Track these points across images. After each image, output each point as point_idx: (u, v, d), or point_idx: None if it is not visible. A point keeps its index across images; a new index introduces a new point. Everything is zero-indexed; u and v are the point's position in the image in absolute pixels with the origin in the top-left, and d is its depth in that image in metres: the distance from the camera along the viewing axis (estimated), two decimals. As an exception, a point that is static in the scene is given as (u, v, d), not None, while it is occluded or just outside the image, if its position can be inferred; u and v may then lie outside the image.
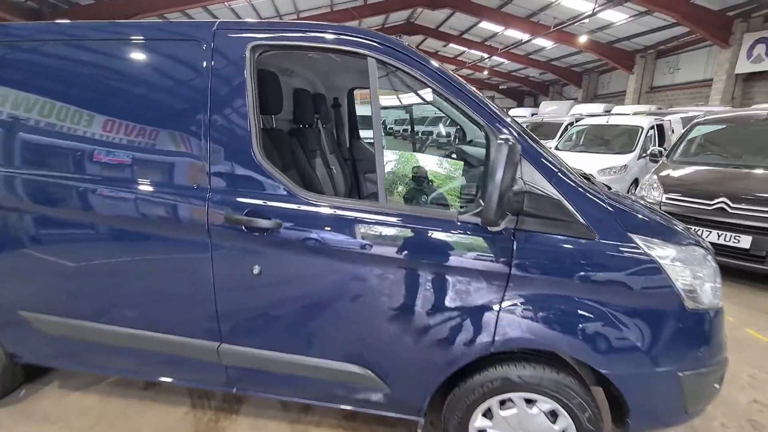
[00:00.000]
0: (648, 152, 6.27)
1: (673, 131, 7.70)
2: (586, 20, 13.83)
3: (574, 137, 7.57)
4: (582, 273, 1.39)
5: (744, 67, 11.98)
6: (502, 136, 1.21)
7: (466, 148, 2.46)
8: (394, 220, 1.47)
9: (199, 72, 1.55)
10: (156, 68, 1.60)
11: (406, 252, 1.46)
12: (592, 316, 1.39)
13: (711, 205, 3.57)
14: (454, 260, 1.43)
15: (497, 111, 1.45)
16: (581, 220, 1.38)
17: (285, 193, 1.52)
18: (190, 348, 1.71)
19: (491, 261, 1.41)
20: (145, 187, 1.60)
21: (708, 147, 4.45)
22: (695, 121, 4.76)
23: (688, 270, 1.41)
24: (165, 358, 1.77)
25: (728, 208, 3.49)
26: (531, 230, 1.40)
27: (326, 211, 1.50)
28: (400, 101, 3.20)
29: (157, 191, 1.59)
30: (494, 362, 1.50)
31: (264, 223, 1.48)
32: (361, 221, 1.48)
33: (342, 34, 1.48)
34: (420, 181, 1.96)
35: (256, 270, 1.54)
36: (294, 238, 1.50)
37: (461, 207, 1.76)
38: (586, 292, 1.40)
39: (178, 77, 1.60)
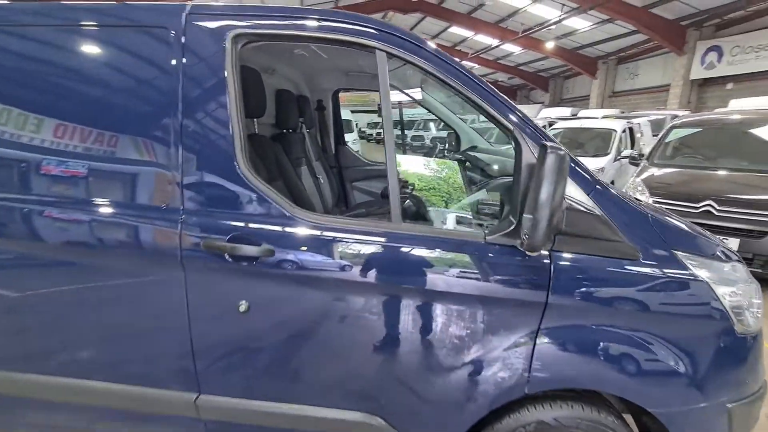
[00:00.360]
0: (623, 155, 6.42)
1: (642, 134, 7.94)
2: (553, 26, 14.31)
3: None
4: (626, 299, 1.22)
5: (698, 73, 12.70)
6: (551, 145, 1.02)
7: (479, 155, 2.23)
8: (409, 243, 1.24)
9: (166, 66, 1.27)
10: (112, 61, 1.31)
11: (424, 280, 1.24)
12: (640, 348, 1.22)
13: (698, 208, 3.59)
14: (481, 288, 1.23)
15: (527, 115, 1.26)
16: (623, 238, 1.22)
17: (277, 212, 1.27)
18: (159, 401, 1.40)
19: (525, 288, 1.21)
20: (101, 207, 1.30)
21: (687, 150, 4.53)
22: (672, 124, 4.86)
23: (734, 289, 1.28)
24: (126, 414, 1.45)
25: (715, 211, 3.51)
26: (569, 251, 1.22)
27: (328, 234, 1.25)
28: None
29: (116, 212, 1.30)
30: (526, 403, 1.30)
31: (253, 250, 1.22)
32: (371, 245, 1.24)
33: (346, 22, 1.25)
34: (430, 195, 1.74)
35: (242, 306, 1.27)
36: (289, 268, 1.25)
37: (481, 225, 1.54)
38: (630, 321, 1.23)
39: (140, 72, 1.31)
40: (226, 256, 1.23)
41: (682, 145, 4.63)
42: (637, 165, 4.84)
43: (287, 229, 1.25)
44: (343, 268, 1.24)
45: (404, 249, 1.24)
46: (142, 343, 1.39)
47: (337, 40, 1.25)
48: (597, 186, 1.25)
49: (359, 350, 1.32)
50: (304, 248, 1.25)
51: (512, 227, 1.20)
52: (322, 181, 2.56)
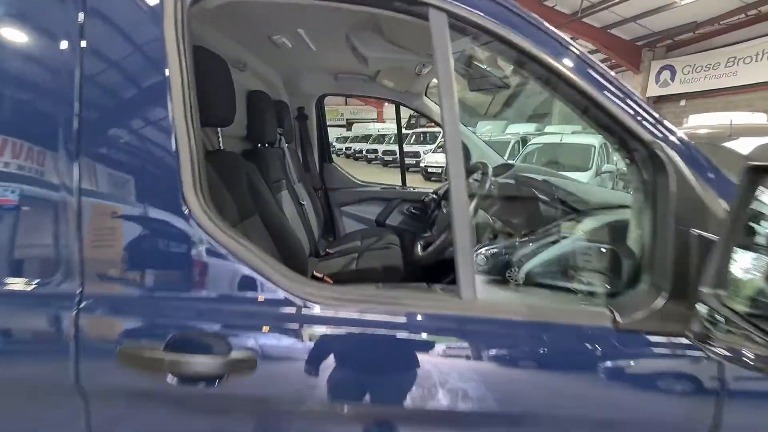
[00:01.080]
0: (603, 169, 6.32)
1: (616, 148, 7.98)
2: (519, 44, 14.62)
3: (527, 156, 7.53)
4: None
5: (653, 90, 13.36)
6: None
7: (554, 180, 1.58)
8: (494, 335, 0.74)
9: (53, 29, 0.71)
10: None
11: (520, 399, 0.74)
12: None
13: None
14: (607, 404, 0.74)
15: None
16: None
17: (258, 286, 0.72)
18: None
19: (684, 394, 0.74)
20: None
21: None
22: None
23: None
24: None
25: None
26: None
27: (349, 324, 0.72)
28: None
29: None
30: None
31: (214, 363, 0.66)
32: (427, 341, 0.72)
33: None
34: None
35: (197, 461, 0.70)
36: (281, 389, 0.70)
37: (571, 291, 0.99)
38: None
39: (8, 40, 0.73)
40: (167, 376, 0.67)
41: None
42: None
43: (280, 320, 0.71)
44: (377, 386, 0.71)
45: (485, 344, 0.73)
46: None
47: None
48: None
49: None
50: (311, 354, 0.70)
51: (664, 303, 0.72)
52: (306, 207, 2.00)
